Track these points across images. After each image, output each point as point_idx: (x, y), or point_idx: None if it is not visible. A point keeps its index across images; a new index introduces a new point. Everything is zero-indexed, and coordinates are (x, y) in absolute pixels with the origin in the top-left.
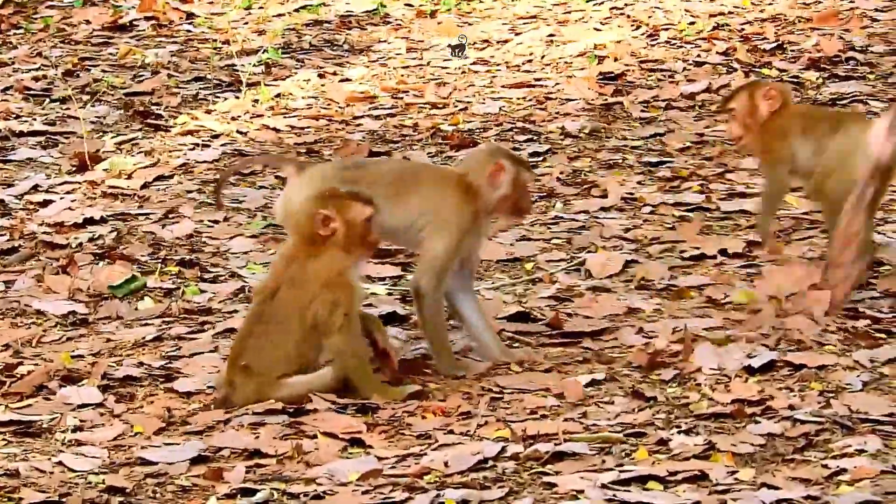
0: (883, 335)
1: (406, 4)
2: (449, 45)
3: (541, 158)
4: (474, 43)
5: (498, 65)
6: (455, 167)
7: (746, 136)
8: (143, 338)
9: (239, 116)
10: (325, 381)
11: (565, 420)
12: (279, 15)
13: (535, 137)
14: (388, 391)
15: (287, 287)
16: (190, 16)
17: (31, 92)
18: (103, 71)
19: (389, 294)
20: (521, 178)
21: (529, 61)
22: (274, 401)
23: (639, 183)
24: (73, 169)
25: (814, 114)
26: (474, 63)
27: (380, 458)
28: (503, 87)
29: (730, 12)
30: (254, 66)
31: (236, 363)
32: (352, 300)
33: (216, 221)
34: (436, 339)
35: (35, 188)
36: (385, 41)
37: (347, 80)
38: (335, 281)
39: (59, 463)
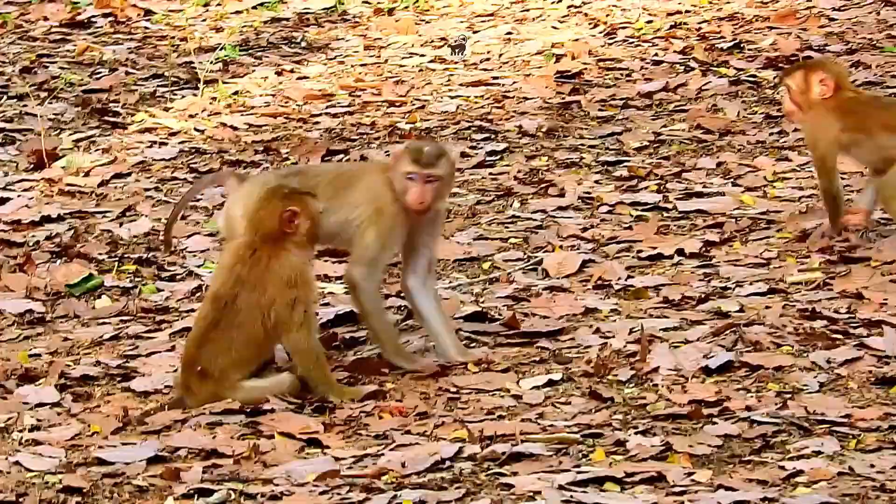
0: (840, 336)
1: (364, 2)
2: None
3: (498, 157)
4: (431, 41)
5: (455, 63)
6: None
7: (796, 114)
8: (101, 336)
9: (197, 114)
10: (283, 386)
11: (522, 421)
12: (237, 12)
13: (492, 136)
14: (345, 391)
15: (247, 291)
16: (147, 13)
17: None
18: (61, 68)
19: (346, 293)
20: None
21: (487, 59)
22: (231, 400)
23: (596, 182)
24: (31, 166)
25: (866, 101)
26: (432, 61)
27: (337, 459)
28: (461, 85)
29: (687, 11)
30: (211, 63)
31: (192, 368)
32: (310, 297)
33: None
34: (377, 329)
35: None
36: (343, 39)
37: (305, 77)
38: (296, 279)
39: (16, 463)
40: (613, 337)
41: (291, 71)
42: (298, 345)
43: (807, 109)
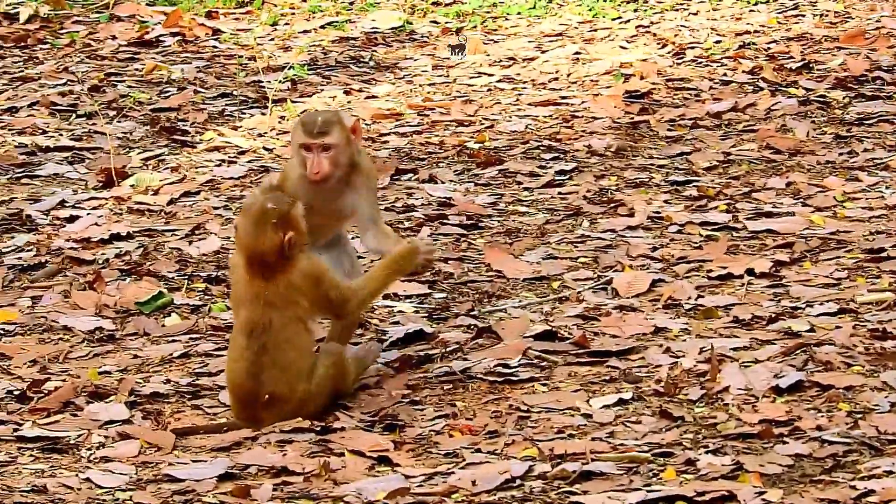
0: None
1: (432, 22)
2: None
3: (567, 177)
4: (500, 61)
5: (524, 82)
6: None
7: None
8: (170, 354)
9: (265, 133)
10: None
11: (593, 439)
12: (305, 31)
13: (561, 156)
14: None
15: (280, 311)
16: (216, 32)
17: (58, 107)
18: (129, 86)
19: (416, 312)
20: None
21: (556, 79)
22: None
23: (665, 202)
24: (100, 185)
25: None
26: (500, 81)
27: (407, 477)
28: (529, 104)
29: (756, 31)
30: (280, 82)
31: (253, 401)
32: (329, 273)
33: None
34: None
35: (62, 204)
36: (411, 58)
37: (373, 96)
38: (315, 275)
39: (87, 479)
40: (683, 356)
41: (359, 90)
42: (360, 307)
43: None
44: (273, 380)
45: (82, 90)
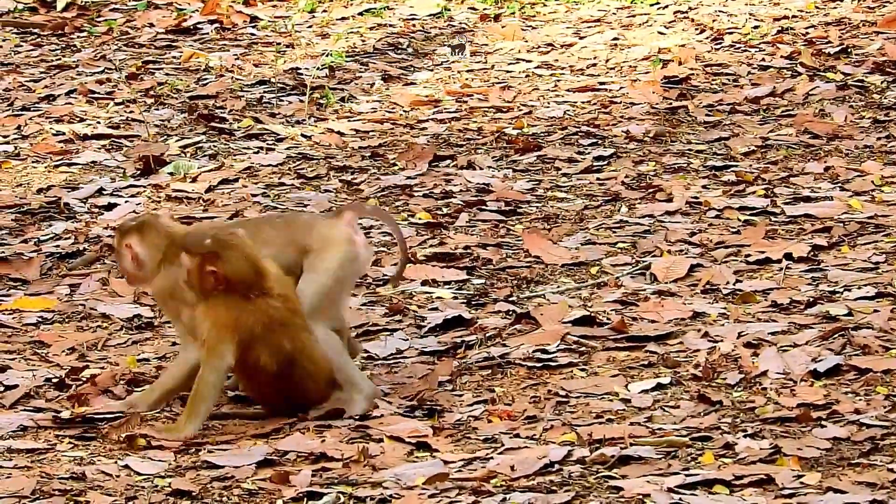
0: None
1: (470, 8)
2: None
3: (605, 162)
4: (538, 47)
5: (562, 68)
6: None
7: None
8: None
9: (303, 120)
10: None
11: (631, 424)
12: (343, 18)
13: (599, 141)
14: None
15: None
16: (253, 19)
17: (95, 95)
18: (167, 74)
19: (454, 298)
20: None
21: (594, 65)
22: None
23: (704, 187)
24: (138, 172)
25: None
26: (538, 67)
27: (446, 462)
28: (568, 90)
29: (794, 16)
30: (318, 69)
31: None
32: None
33: None
34: None
35: (100, 191)
36: (449, 45)
37: (412, 83)
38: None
39: (126, 466)
40: (722, 341)
41: (398, 77)
42: None
43: None
44: (308, 385)
45: (120, 78)
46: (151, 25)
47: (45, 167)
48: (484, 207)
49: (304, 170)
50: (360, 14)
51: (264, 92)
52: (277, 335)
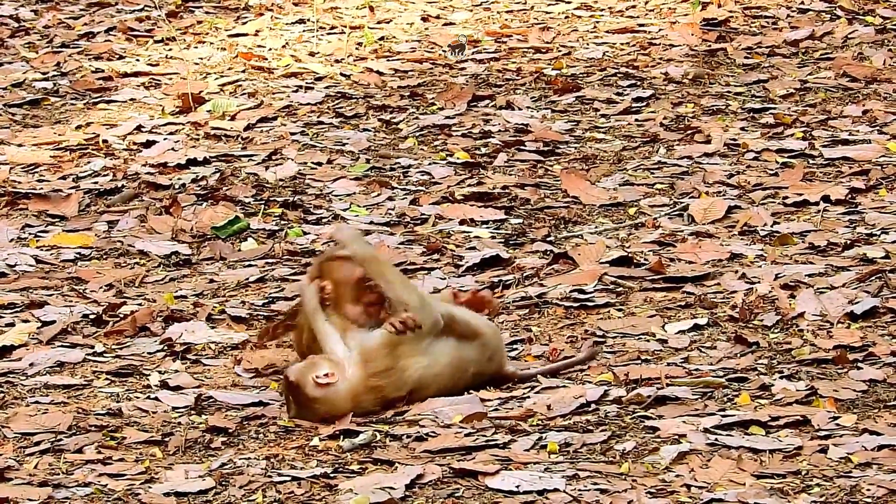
0: None
1: None
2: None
3: (644, 104)
4: None
5: (601, 10)
6: None
7: None
8: (247, 279)
9: (342, 59)
10: None
11: (668, 365)
12: None
13: (638, 83)
14: None
15: None
16: None
17: (135, 33)
18: (206, 12)
19: (492, 237)
20: None
21: (633, 7)
22: None
23: (742, 129)
24: (177, 110)
25: None
26: (578, 8)
27: (483, 401)
28: (607, 32)
29: None
30: (357, 8)
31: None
32: None
33: (319, 164)
34: None
35: (138, 129)
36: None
37: (451, 23)
38: None
39: (160, 401)
40: (759, 282)
41: (437, 17)
42: None
43: None
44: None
45: (159, 16)
46: None
47: (84, 104)
48: (522, 148)
49: (342, 109)
50: None
51: (304, 31)
52: None
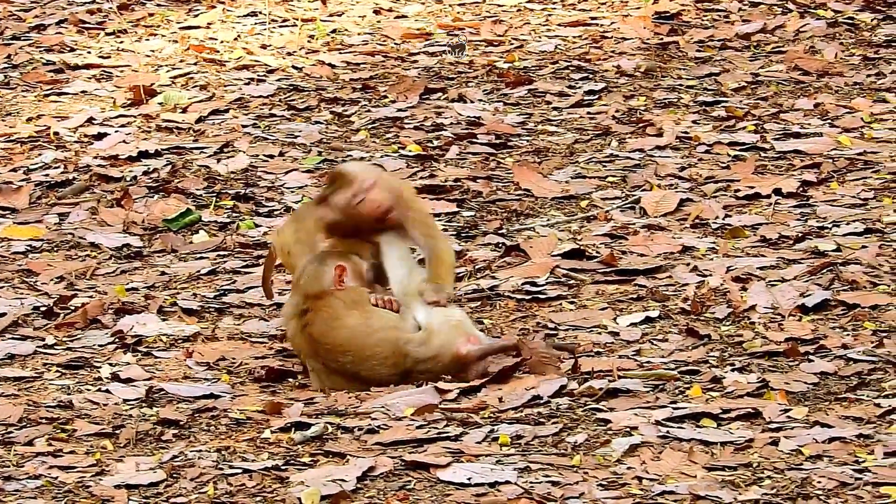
0: None
1: None
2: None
3: (596, 97)
4: None
5: (554, 3)
6: None
7: None
8: (198, 271)
9: (294, 52)
10: None
11: (619, 357)
12: None
13: (590, 76)
14: None
15: None
16: None
17: (86, 25)
18: (158, 5)
19: (444, 230)
20: None
21: (585, 0)
22: None
23: (694, 122)
24: (128, 102)
25: None
26: (530, 1)
27: (440, 391)
28: (559, 25)
29: None
30: (309, 1)
31: None
32: None
33: (271, 156)
34: None
35: (90, 121)
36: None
37: (403, 16)
38: None
39: (111, 394)
40: (710, 275)
41: (389, 10)
42: None
43: None
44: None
45: (111, 8)
46: None
47: (36, 96)
48: (474, 140)
49: (294, 101)
50: None
51: (255, 24)
52: None
